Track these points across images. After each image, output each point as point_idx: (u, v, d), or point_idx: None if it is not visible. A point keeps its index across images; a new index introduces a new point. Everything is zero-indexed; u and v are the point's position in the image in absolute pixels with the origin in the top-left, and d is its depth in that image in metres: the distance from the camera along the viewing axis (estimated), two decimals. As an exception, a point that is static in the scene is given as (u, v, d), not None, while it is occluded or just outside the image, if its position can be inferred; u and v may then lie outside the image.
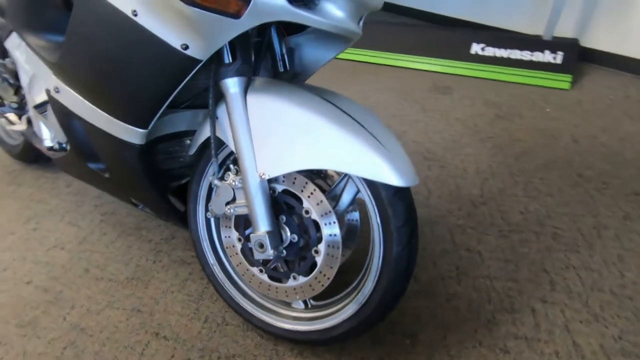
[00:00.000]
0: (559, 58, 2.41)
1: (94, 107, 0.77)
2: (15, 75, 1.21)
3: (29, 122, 1.09)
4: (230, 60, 0.69)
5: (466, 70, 2.58)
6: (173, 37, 0.60)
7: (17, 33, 0.87)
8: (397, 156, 0.66)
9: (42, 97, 0.87)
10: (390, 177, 0.62)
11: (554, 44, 2.46)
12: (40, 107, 0.94)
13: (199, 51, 0.61)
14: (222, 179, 0.80)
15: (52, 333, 0.97)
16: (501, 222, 1.30)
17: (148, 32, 0.60)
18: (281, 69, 0.84)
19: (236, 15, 0.56)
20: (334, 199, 0.81)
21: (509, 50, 2.53)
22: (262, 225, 0.73)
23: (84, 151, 0.91)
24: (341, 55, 3.10)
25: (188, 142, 0.97)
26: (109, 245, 1.24)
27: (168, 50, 0.61)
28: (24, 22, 0.85)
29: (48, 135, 1.02)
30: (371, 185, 0.69)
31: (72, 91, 0.79)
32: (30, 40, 0.84)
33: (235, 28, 0.58)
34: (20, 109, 1.16)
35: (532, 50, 2.48)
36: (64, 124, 0.87)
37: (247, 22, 0.58)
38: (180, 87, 0.67)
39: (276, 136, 0.68)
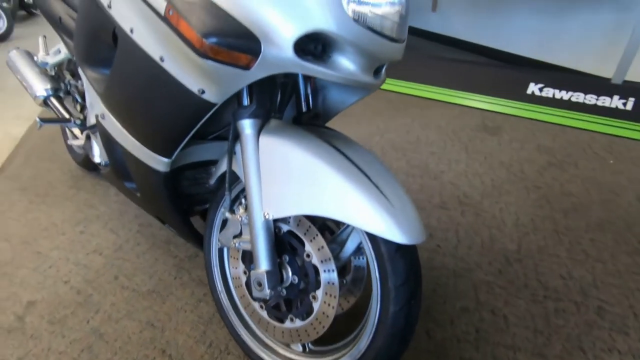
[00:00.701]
0: (629, 104, 2.19)
1: (128, 134, 0.85)
2: (83, 96, 1.38)
3: (88, 138, 1.23)
4: (248, 103, 0.73)
5: (520, 111, 2.43)
6: (191, 82, 0.65)
7: (78, 63, 1.00)
8: (403, 211, 0.64)
9: (94, 120, 0.98)
10: (392, 232, 0.60)
11: (625, 89, 2.25)
12: (92, 128, 1.06)
13: (214, 96, 0.66)
14: (232, 212, 0.83)
15: (75, 334, 1.05)
16: (536, 284, 1.18)
17: (171, 76, 0.66)
18: (304, 109, 0.86)
19: (246, 67, 0.59)
20: (339, 244, 0.80)
21: (571, 93, 2.36)
22: (263, 263, 0.74)
23: (121, 171, 1.00)
24: (390, 87, 3.09)
25: (214, 169, 1.03)
26: (140, 255, 1.33)
27: (187, 93, 0.66)
28: (82, 55, 0.98)
29: (97, 152, 1.14)
30: (372, 238, 0.67)
31: (113, 119, 0.88)
32: (86, 71, 0.96)
33: (247, 78, 0.62)
34: (83, 126, 1.32)
35: (598, 94, 2.29)
36: (106, 146, 0.97)
37: (257, 73, 0.61)
38: (199, 124, 0.72)
39: (283, 179, 0.70)
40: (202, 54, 0.58)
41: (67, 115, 1.31)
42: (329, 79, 0.64)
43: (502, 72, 2.82)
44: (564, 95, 2.37)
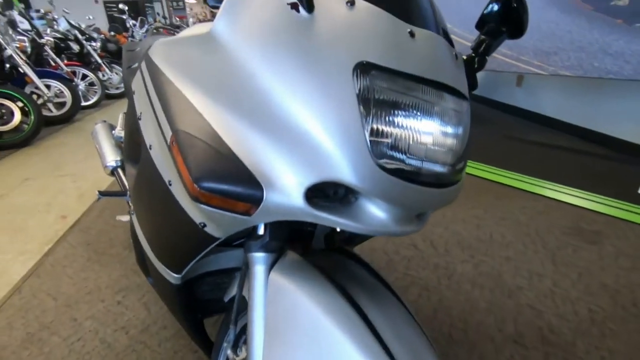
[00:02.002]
0: None
1: (145, 239, 0.80)
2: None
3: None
4: (261, 233, 0.62)
5: (630, 214, 1.98)
6: (194, 214, 0.57)
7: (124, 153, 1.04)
8: None
9: (132, 209, 0.98)
10: None
11: None
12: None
13: (215, 232, 0.57)
14: (235, 350, 0.70)
15: None
16: None
17: (178, 202, 0.59)
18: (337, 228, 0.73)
19: (246, 214, 0.49)
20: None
21: None
22: None
23: (142, 265, 0.96)
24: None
25: (236, 274, 0.93)
26: (162, 343, 1.25)
27: (191, 223, 0.58)
28: (125, 146, 1.00)
29: (134, 235, 1.14)
30: None
31: (135, 217, 0.85)
32: (125, 162, 0.98)
33: (249, 222, 0.52)
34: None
35: None
36: (132, 237, 0.95)
37: (260, 219, 0.50)
38: (205, 251, 0.63)
39: (286, 329, 0.56)
40: (193, 197, 0.50)
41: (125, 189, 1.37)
42: (352, 230, 0.50)
43: (604, 161, 2.41)
44: (694, 201, 1.89)
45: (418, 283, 1.51)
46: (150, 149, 0.65)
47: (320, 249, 0.75)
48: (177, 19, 12.30)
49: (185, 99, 0.54)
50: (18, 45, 3.77)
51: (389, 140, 0.46)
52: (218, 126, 0.49)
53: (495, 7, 0.62)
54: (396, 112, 0.46)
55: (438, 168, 0.51)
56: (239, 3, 0.53)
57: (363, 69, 0.45)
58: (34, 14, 6.53)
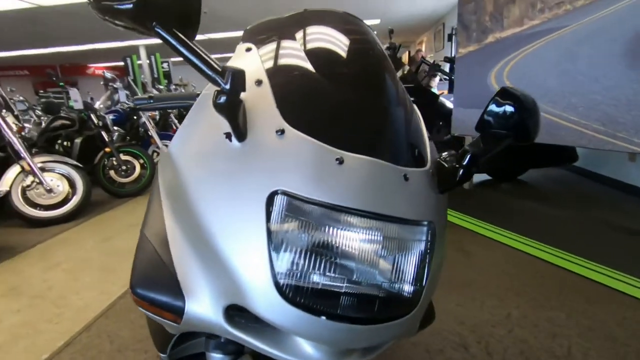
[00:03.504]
0: None
1: None
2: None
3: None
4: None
5: None
6: None
7: None
8: None
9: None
10: None
11: None
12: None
13: (171, 329, 0.60)
14: None
15: None
16: None
17: None
18: None
19: (175, 322, 0.52)
20: None
21: None
22: None
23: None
24: (542, 254, 2.43)
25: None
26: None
27: None
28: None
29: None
30: None
31: None
32: None
33: (180, 329, 0.54)
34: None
35: None
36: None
37: (188, 328, 0.52)
38: (173, 340, 0.67)
39: None
40: (134, 301, 0.55)
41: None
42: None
43: None
44: None
45: (459, 397, 1.28)
46: None
47: None
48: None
49: (159, 202, 0.61)
50: (150, 115, 4.74)
51: (297, 274, 0.45)
52: (169, 233, 0.55)
53: (496, 108, 0.57)
54: (309, 244, 0.46)
55: (364, 304, 0.47)
56: (189, 128, 0.59)
57: (277, 197, 0.46)
58: (172, 87, 8.19)
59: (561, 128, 2.41)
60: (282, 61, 0.60)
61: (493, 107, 0.58)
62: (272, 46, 0.63)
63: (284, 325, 0.45)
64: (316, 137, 0.49)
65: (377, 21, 9.24)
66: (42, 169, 3.15)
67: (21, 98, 5.03)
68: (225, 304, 0.47)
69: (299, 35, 0.65)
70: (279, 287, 0.45)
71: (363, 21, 0.77)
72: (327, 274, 0.46)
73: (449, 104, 3.49)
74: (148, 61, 9.53)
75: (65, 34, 8.44)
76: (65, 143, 4.15)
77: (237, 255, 0.46)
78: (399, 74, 3.46)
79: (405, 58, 13.48)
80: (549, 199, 3.37)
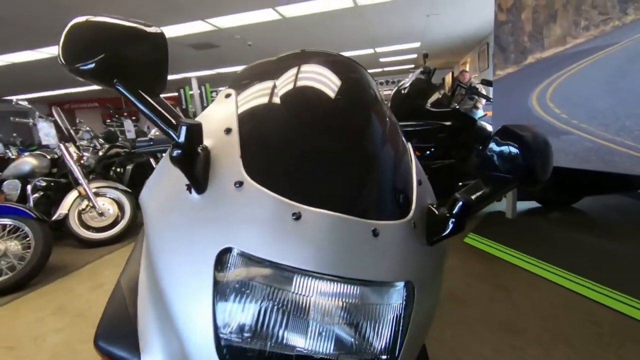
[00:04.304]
0: None
1: None
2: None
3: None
4: None
5: None
6: None
7: None
8: None
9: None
10: None
11: None
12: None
13: None
14: None
15: None
16: None
17: None
18: None
19: None
20: None
21: None
22: None
23: None
24: (601, 297, 2.13)
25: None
26: None
27: None
28: None
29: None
30: None
31: None
32: None
33: None
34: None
35: None
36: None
37: None
38: None
39: None
40: (97, 352, 0.55)
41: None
42: None
43: None
44: None
45: None
46: None
47: None
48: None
49: (140, 249, 0.62)
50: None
51: (242, 339, 0.43)
52: (140, 284, 0.55)
53: (497, 149, 0.52)
54: (256, 307, 0.43)
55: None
56: (157, 176, 0.59)
57: (228, 255, 0.44)
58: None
59: (615, 154, 2.17)
60: (256, 108, 0.60)
61: (494, 148, 0.53)
62: (250, 91, 0.63)
63: None
64: (274, 189, 0.47)
65: (417, 44, 9.20)
66: (96, 194, 3.44)
67: (87, 128, 5.61)
68: None
69: (281, 79, 0.64)
70: (220, 352, 0.42)
71: (359, 65, 0.75)
72: (276, 341, 0.43)
73: (490, 127, 3.32)
74: (199, 91, 10.24)
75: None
76: (118, 169, 4.53)
77: (183, 314, 0.45)
78: (434, 97, 3.35)
79: (448, 79, 13.18)
80: (608, 231, 3.00)
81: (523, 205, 3.61)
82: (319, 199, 0.47)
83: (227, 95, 0.63)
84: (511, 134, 0.52)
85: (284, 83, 0.63)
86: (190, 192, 0.50)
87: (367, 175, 0.53)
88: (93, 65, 0.42)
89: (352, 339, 0.45)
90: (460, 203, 0.52)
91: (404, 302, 0.48)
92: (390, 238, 0.49)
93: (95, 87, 11.28)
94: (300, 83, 0.63)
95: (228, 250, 0.45)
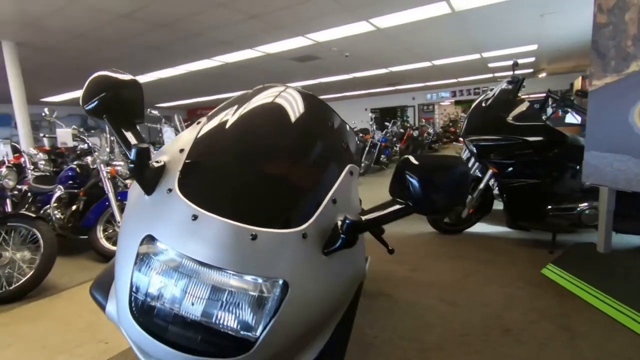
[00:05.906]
0: None
1: None
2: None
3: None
4: None
5: None
6: None
7: None
8: None
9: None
10: None
11: None
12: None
13: None
14: None
15: None
16: None
17: None
18: None
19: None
20: None
21: None
22: None
23: None
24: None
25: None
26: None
27: None
28: None
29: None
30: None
31: None
32: None
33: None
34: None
35: None
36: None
37: (118, 325, 0.74)
38: None
39: None
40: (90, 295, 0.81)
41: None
42: None
43: None
44: None
45: None
46: None
47: None
48: (424, 120, 13.77)
49: None
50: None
51: (149, 302, 0.61)
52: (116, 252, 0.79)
53: (398, 176, 0.58)
54: (158, 281, 0.61)
55: (203, 340, 0.58)
56: (136, 184, 0.79)
57: (144, 240, 0.64)
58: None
59: None
60: (207, 133, 0.79)
61: (395, 175, 0.61)
62: (211, 120, 0.83)
63: (132, 339, 0.62)
64: (187, 195, 0.65)
65: (533, 46, 8.19)
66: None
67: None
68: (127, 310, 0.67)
69: (234, 110, 0.82)
70: (130, 306, 0.62)
71: (311, 95, 0.87)
72: (169, 303, 0.60)
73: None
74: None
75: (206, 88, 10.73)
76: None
77: (118, 278, 0.66)
78: (516, 111, 3.02)
79: (578, 83, 11.26)
80: None
81: (621, 239, 2.98)
82: (213, 205, 0.63)
83: (199, 122, 0.84)
84: (410, 165, 0.59)
85: (234, 113, 0.81)
86: (145, 194, 0.71)
87: (263, 191, 0.67)
88: (91, 106, 0.68)
89: (223, 316, 0.59)
90: (348, 222, 0.61)
91: (277, 296, 0.59)
92: (268, 243, 0.61)
93: (219, 95, 13.12)
94: (244, 112, 0.80)
95: (149, 237, 0.65)
